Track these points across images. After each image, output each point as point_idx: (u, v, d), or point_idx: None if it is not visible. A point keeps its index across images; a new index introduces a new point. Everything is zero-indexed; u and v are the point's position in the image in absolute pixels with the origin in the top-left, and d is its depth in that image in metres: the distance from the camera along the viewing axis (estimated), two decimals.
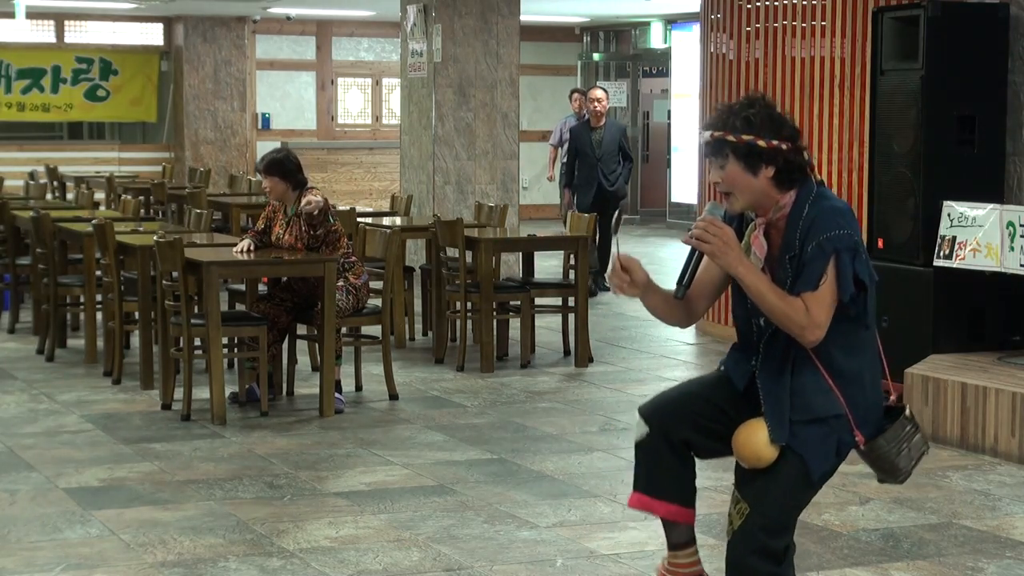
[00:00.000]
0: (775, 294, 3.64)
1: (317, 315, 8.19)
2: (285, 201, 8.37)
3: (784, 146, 3.66)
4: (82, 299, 9.84)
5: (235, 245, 8.87)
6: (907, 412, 3.81)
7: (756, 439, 3.76)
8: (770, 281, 3.67)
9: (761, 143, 3.63)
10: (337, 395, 8.25)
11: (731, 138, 3.64)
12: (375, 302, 8.88)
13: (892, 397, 3.89)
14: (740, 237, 3.80)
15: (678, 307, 3.91)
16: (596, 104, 13.33)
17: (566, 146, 14.30)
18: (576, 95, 15.38)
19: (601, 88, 13.84)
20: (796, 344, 3.72)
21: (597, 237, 12.62)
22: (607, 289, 12.24)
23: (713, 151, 3.69)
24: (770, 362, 3.78)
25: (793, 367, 3.74)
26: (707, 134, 3.69)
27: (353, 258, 8.45)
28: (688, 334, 11.21)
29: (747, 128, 3.64)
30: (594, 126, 13.33)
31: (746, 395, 3.88)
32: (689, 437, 3.93)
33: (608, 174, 13.22)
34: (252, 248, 8.34)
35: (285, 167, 8.27)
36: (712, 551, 5.68)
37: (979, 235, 7.81)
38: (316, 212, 8.06)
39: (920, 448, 3.83)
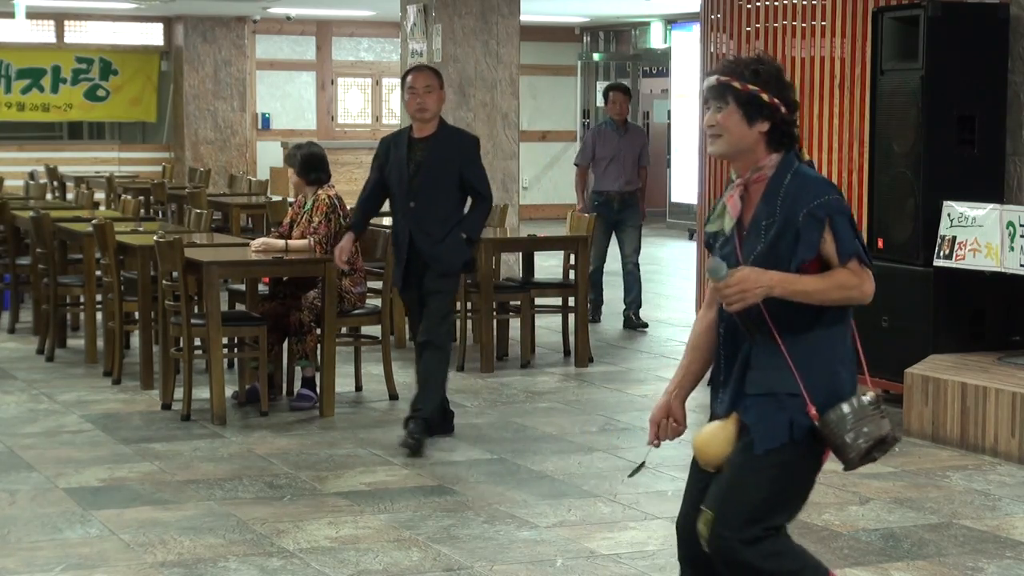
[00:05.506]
0: (817, 281, 3.66)
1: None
2: (303, 195, 8.53)
3: (783, 108, 3.74)
4: (82, 299, 9.84)
5: (235, 245, 8.91)
6: (870, 395, 3.73)
7: (714, 440, 3.74)
8: (801, 276, 3.66)
9: (764, 96, 3.71)
10: (307, 391, 8.26)
11: (736, 84, 3.72)
12: (375, 302, 8.89)
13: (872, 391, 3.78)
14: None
15: (700, 356, 3.96)
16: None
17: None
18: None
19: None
20: (759, 316, 3.70)
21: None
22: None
23: (715, 95, 3.76)
24: (735, 333, 3.78)
25: (755, 340, 3.74)
26: (713, 79, 3.76)
27: (359, 264, 8.45)
28: (687, 334, 11.20)
29: (754, 79, 3.73)
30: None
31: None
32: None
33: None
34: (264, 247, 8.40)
35: (302, 161, 8.47)
36: None
37: (979, 235, 7.81)
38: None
39: (879, 433, 3.69)
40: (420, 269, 7.38)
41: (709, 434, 3.77)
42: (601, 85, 22.26)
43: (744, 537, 3.68)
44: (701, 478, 3.84)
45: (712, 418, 3.88)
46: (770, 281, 3.64)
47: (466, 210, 7.51)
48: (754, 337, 3.75)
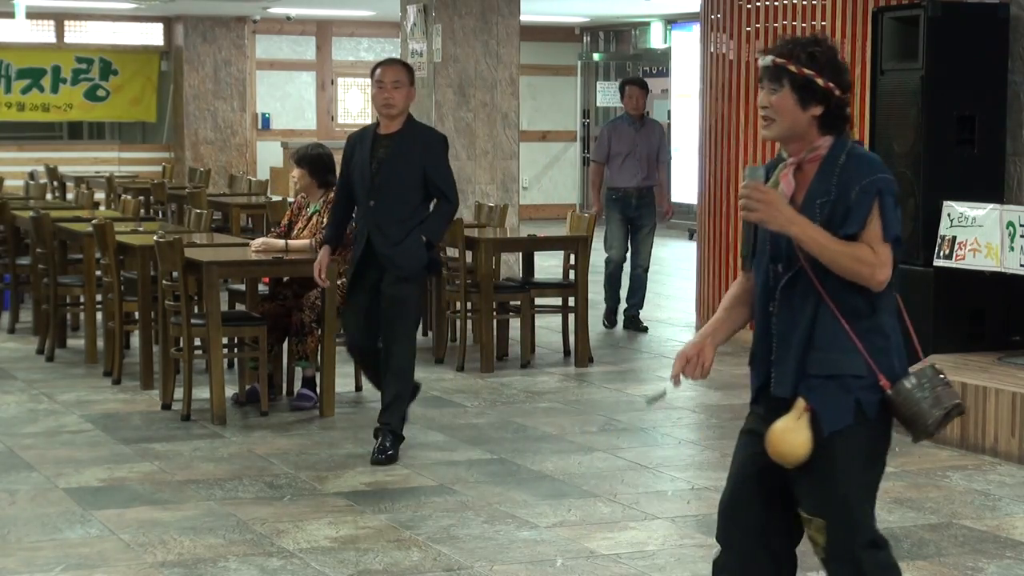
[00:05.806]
0: (837, 242, 3.66)
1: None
2: (309, 195, 8.51)
3: (837, 92, 3.74)
4: (82, 299, 9.84)
5: (235, 245, 8.90)
6: (934, 366, 3.77)
7: (793, 440, 3.69)
8: (825, 231, 3.67)
9: (819, 81, 3.71)
10: (307, 391, 8.25)
11: (792, 68, 3.71)
12: None
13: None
14: (769, 177, 3.83)
15: (740, 310, 3.95)
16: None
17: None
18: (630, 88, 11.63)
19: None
20: (815, 296, 3.71)
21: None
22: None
23: (770, 76, 3.75)
24: (786, 311, 3.77)
25: (815, 321, 3.72)
26: (768, 59, 3.75)
27: None
28: (688, 334, 11.21)
29: (810, 63, 3.71)
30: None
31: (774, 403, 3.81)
32: (768, 539, 3.85)
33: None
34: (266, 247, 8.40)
35: (314, 161, 8.44)
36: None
37: (979, 235, 7.81)
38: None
39: (951, 399, 3.72)
40: (375, 272, 7.10)
41: (782, 432, 3.69)
42: (601, 85, 22.29)
43: (863, 540, 3.74)
44: (751, 464, 3.80)
45: (756, 399, 3.86)
46: (794, 218, 3.65)
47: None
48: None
